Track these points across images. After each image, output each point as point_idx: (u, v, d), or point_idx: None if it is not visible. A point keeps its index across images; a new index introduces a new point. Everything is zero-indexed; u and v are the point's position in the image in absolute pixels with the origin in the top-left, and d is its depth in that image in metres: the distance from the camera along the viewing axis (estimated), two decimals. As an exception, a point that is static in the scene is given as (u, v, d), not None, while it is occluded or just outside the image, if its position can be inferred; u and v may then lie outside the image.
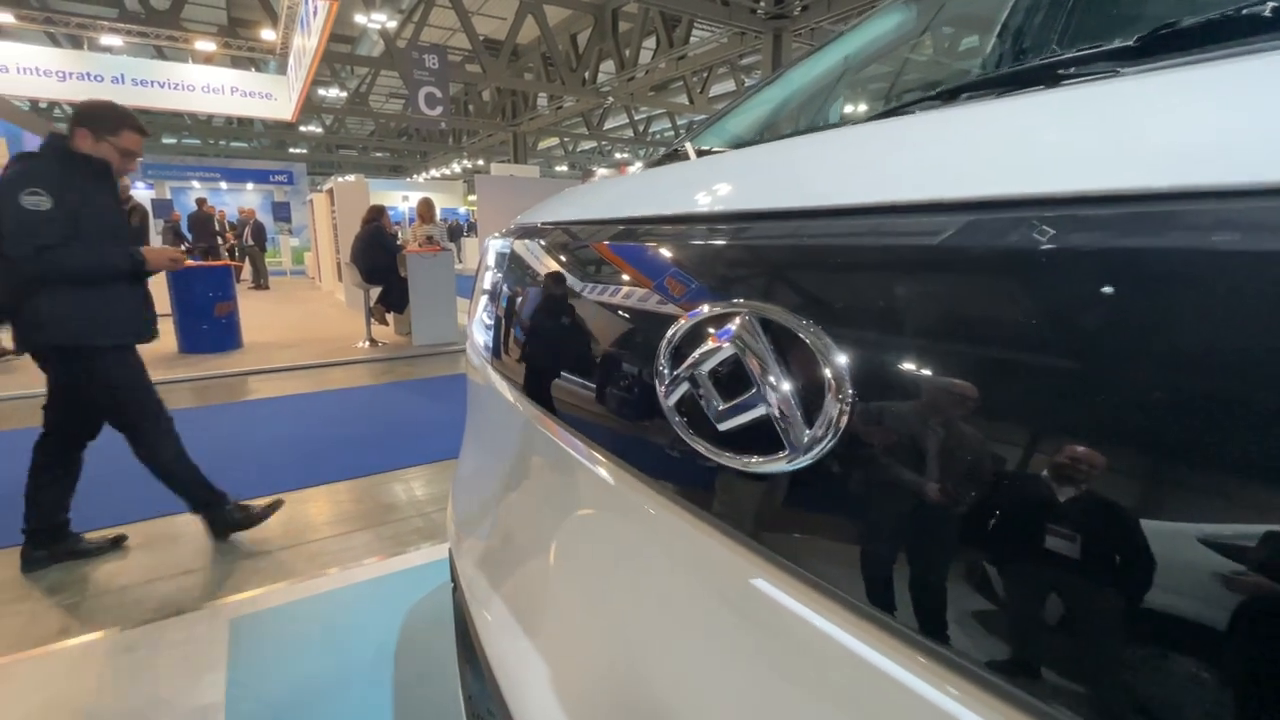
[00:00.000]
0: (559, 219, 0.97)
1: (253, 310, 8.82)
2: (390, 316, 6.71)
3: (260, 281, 12.67)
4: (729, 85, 18.54)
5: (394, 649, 1.83)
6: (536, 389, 0.86)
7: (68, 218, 2.02)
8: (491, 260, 1.20)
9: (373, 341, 6.39)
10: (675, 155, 1.21)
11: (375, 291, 6.44)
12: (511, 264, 1.04)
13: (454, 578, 1.10)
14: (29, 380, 4.72)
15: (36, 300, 2.05)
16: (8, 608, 2.09)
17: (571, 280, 0.80)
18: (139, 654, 1.83)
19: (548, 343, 0.86)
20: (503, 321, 1.03)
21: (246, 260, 13.00)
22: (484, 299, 1.17)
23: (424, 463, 3.39)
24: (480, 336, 1.16)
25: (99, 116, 2.16)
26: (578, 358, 0.75)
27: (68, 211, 2.02)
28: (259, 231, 12.89)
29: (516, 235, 1.11)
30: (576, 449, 0.73)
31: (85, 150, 2.13)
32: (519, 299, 0.97)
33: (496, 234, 1.27)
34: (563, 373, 0.78)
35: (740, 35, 13.86)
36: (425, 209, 6.75)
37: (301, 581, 2.24)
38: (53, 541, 2.34)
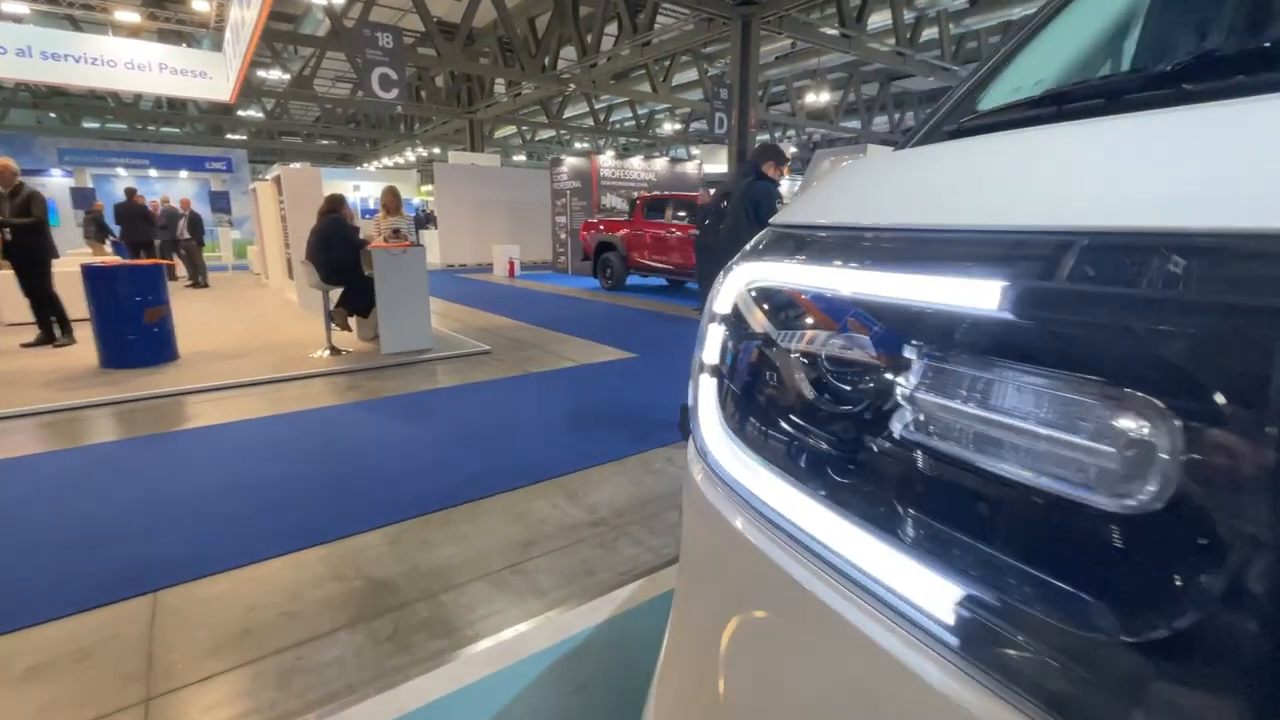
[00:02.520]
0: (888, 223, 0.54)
1: (191, 313, 7.74)
2: (353, 321, 5.86)
3: (199, 279, 11.38)
4: (691, 74, 17.89)
5: None
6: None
7: None
8: (753, 307, 0.63)
9: (334, 350, 5.54)
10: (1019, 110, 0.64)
11: (336, 293, 5.58)
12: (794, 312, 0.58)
13: None
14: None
15: None
16: None
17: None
18: None
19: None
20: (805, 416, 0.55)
21: (178, 256, 11.66)
22: (737, 372, 0.65)
23: (415, 515, 2.68)
24: (728, 443, 0.65)
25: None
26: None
27: None
28: (195, 223, 11.55)
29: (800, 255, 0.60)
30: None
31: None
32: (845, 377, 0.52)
33: (745, 258, 0.66)
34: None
35: (708, 22, 13.21)
36: (391, 199, 5.91)
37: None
38: None
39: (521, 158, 31.61)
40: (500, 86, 19.09)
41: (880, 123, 23.03)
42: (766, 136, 22.80)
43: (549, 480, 3.07)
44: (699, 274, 3.52)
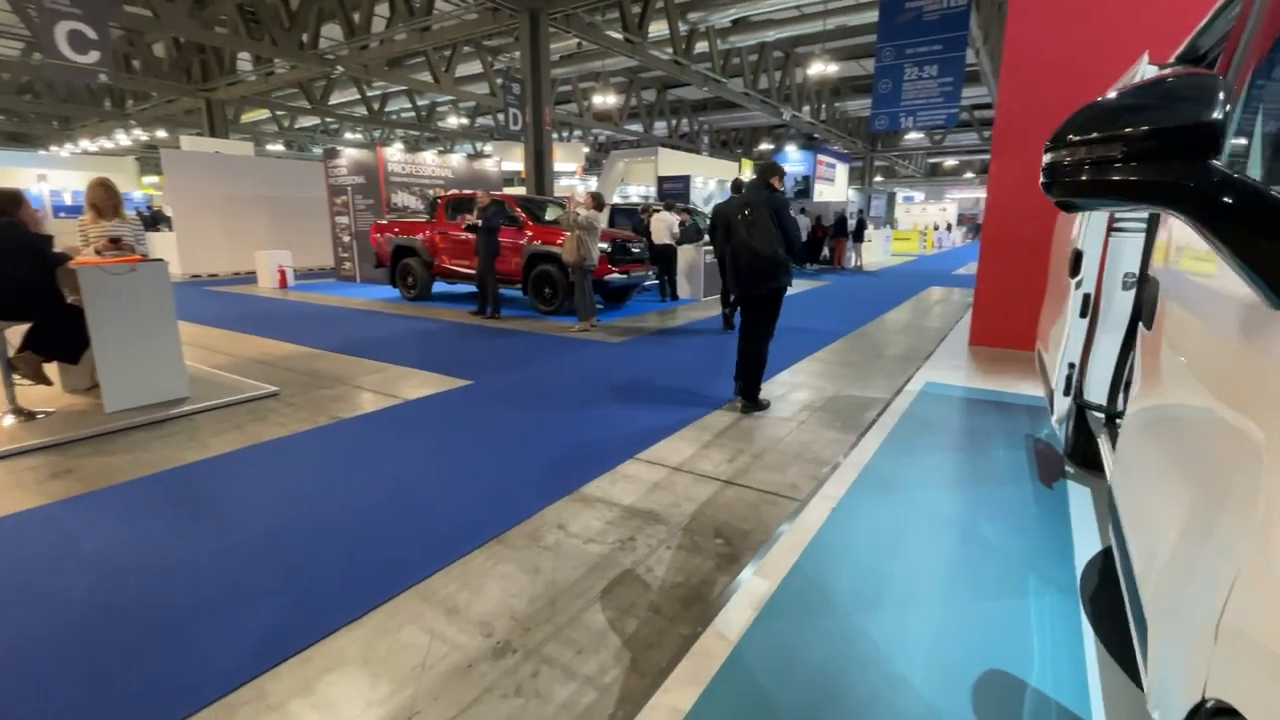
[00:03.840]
0: None
1: None
2: (55, 369, 4.07)
3: None
4: (476, 66, 16.65)
5: None
6: None
7: None
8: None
9: (23, 414, 3.77)
10: None
11: (21, 331, 3.81)
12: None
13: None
14: None
15: None
16: None
17: None
18: None
19: None
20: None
21: None
22: None
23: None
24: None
25: None
26: None
27: None
28: None
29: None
30: None
31: None
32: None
33: None
34: None
35: (492, 12, 12.25)
36: (104, 197, 4.16)
37: None
38: None
39: (278, 147, 27.14)
40: (246, 63, 15.93)
41: (660, 127, 23.91)
42: (556, 136, 22.31)
43: (412, 588, 2.19)
44: (734, 271, 4.08)
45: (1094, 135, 0.91)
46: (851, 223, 16.39)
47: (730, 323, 7.20)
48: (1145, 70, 2.31)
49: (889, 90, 12.48)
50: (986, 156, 35.32)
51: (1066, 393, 2.61)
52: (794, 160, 20.25)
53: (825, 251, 16.47)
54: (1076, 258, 2.50)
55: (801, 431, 3.82)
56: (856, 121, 25.22)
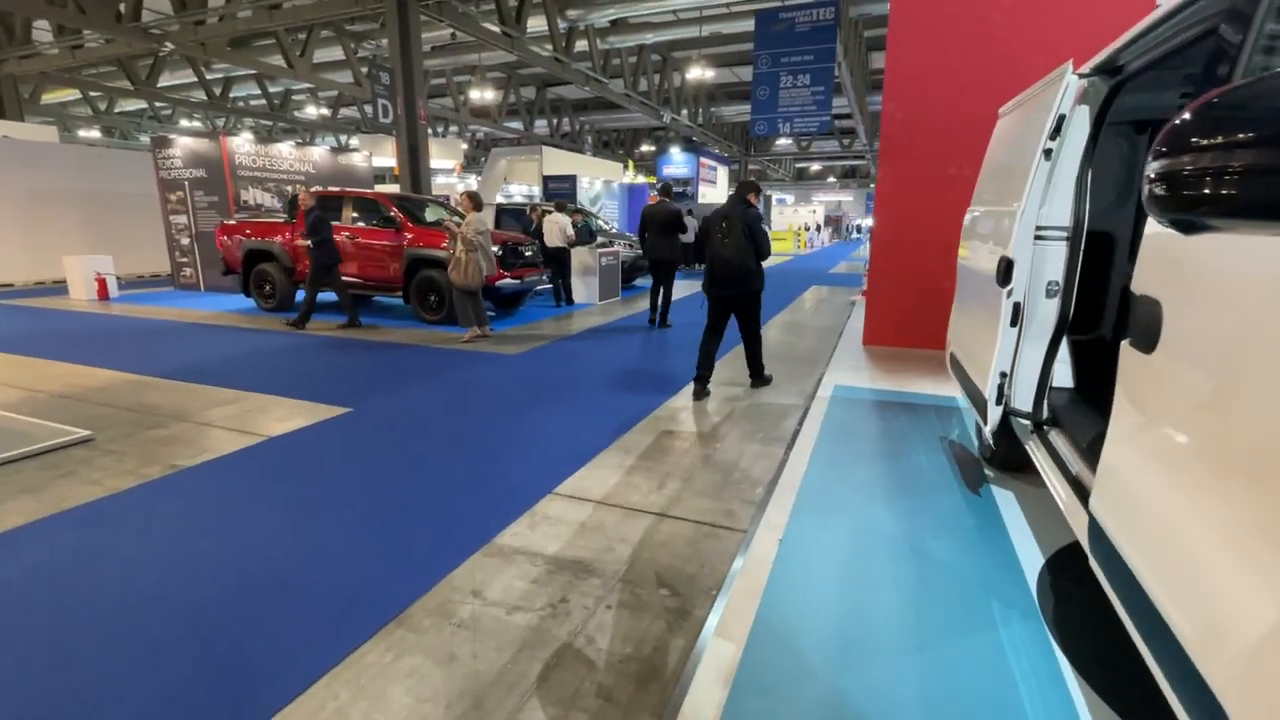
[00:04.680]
0: None
1: None
2: None
3: None
4: (337, 53, 15.16)
5: None
6: None
7: None
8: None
9: None
10: None
11: None
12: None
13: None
14: None
15: None
16: None
17: None
18: None
19: None
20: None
21: None
22: None
23: None
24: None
25: None
26: None
27: None
28: None
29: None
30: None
31: None
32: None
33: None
34: None
35: (355, -6, 11.14)
36: None
37: None
38: None
39: (94, 133, 23.30)
40: (45, 32, 13.37)
41: (540, 126, 23.23)
42: (431, 132, 20.99)
43: (284, 710, 1.66)
44: (710, 275, 4.57)
45: (1245, 136, 0.67)
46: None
47: (660, 320, 7.52)
48: (1070, 80, 2.27)
49: (767, 97, 12.84)
50: (847, 162, 37.80)
51: (999, 402, 2.56)
52: (678, 162, 20.48)
53: (680, 250, 16.76)
54: (1008, 266, 2.44)
55: (726, 447, 3.60)
56: (731, 126, 26.05)
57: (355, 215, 7.89)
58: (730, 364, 5.42)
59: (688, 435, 3.81)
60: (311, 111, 21.47)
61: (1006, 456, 3.05)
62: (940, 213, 5.68)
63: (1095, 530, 1.60)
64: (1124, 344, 1.51)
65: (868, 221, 37.83)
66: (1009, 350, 2.51)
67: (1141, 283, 1.44)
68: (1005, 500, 2.85)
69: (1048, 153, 2.32)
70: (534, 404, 4.39)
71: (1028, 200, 2.37)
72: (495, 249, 7.19)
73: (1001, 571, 2.28)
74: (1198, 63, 2.62)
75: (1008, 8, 5.24)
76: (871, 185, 40.36)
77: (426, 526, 2.65)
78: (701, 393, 4.57)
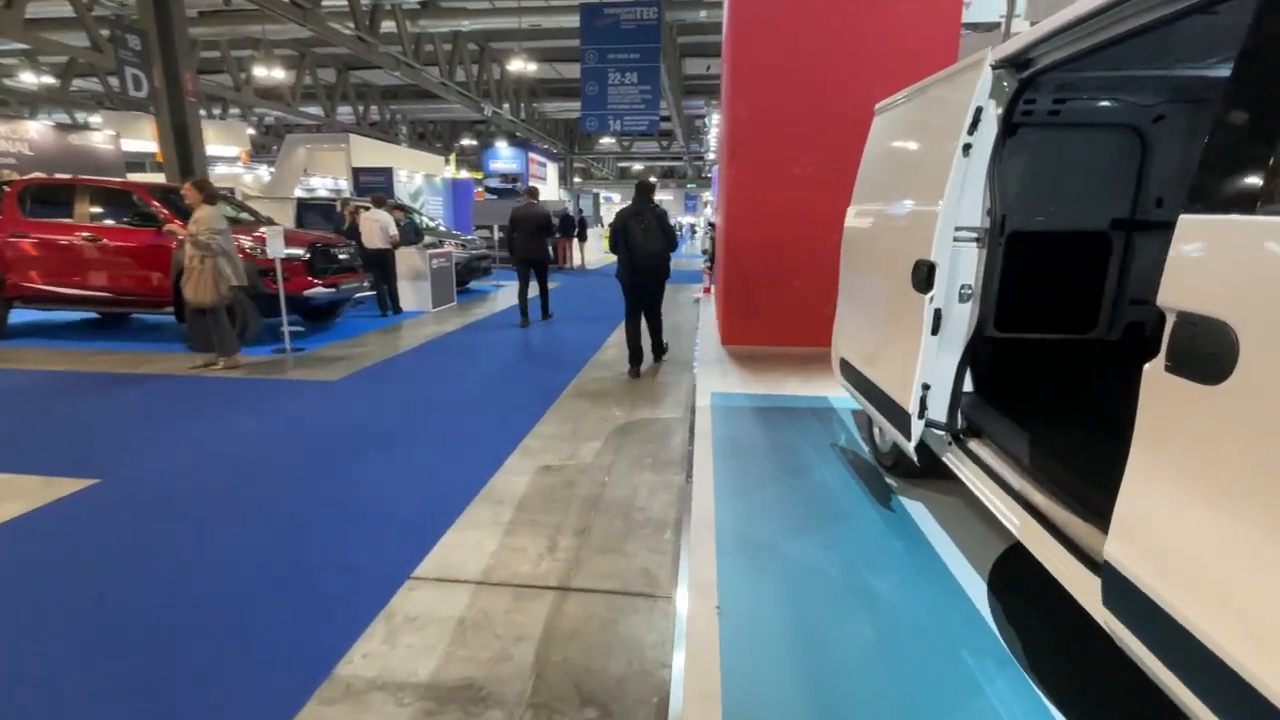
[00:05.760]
0: None
1: None
2: None
3: None
4: (64, 8, 11.89)
5: None
6: None
7: None
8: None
9: None
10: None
11: None
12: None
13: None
14: None
15: None
16: None
17: None
18: None
19: None
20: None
21: None
22: None
23: None
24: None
25: None
26: None
27: None
28: None
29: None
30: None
31: None
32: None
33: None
34: None
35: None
36: None
37: None
38: None
39: None
40: None
41: (345, 113, 20.65)
42: (206, 113, 17.65)
43: None
44: (631, 265, 4.94)
45: None
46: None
47: (542, 313, 7.75)
48: (988, 74, 2.09)
49: (596, 93, 12.48)
50: (666, 163, 39.18)
51: (921, 415, 2.36)
52: (505, 157, 19.46)
53: (550, 250, 16.12)
54: (929, 271, 2.23)
55: (617, 481, 3.09)
56: (556, 123, 25.47)
57: (96, 211, 6.04)
58: (601, 365, 4.92)
59: (569, 469, 3.24)
60: (30, 79, 16.84)
61: (900, 461, 2.93)
62: (790, 212, 5.69)
63: (1118, 583, 1.35)
64: (1154, 369, 1.26)
65: (689, 219, 39.62)
66: (931, 360, 2.31)
67: (1194, 300, 1.18)
68: (918, 513, 2.70)
69: (967, 148, 2.13)
70: (366, 447, 3.51)
71: (949, 200, 2.16)
72: (299, 251, 5.92)
73: (955, 608, 2.06)
74: (1130, 61, 2.68)
75: (843, 10, 5.35)
76: (690, 185, 42.34)
77: (232, 666, 1.79)
78: (636, 373, 5.26)
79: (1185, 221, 1.21)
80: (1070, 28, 1.79)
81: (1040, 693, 1.68)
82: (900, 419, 2.41)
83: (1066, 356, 3.32)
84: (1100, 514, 1.68)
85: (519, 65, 14.92)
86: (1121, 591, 1.34)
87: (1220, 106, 1.17)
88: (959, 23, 5.46)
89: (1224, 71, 2.82)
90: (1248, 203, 1.09)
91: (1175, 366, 1.21)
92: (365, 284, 7.52)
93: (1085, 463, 2.04)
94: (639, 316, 5.31)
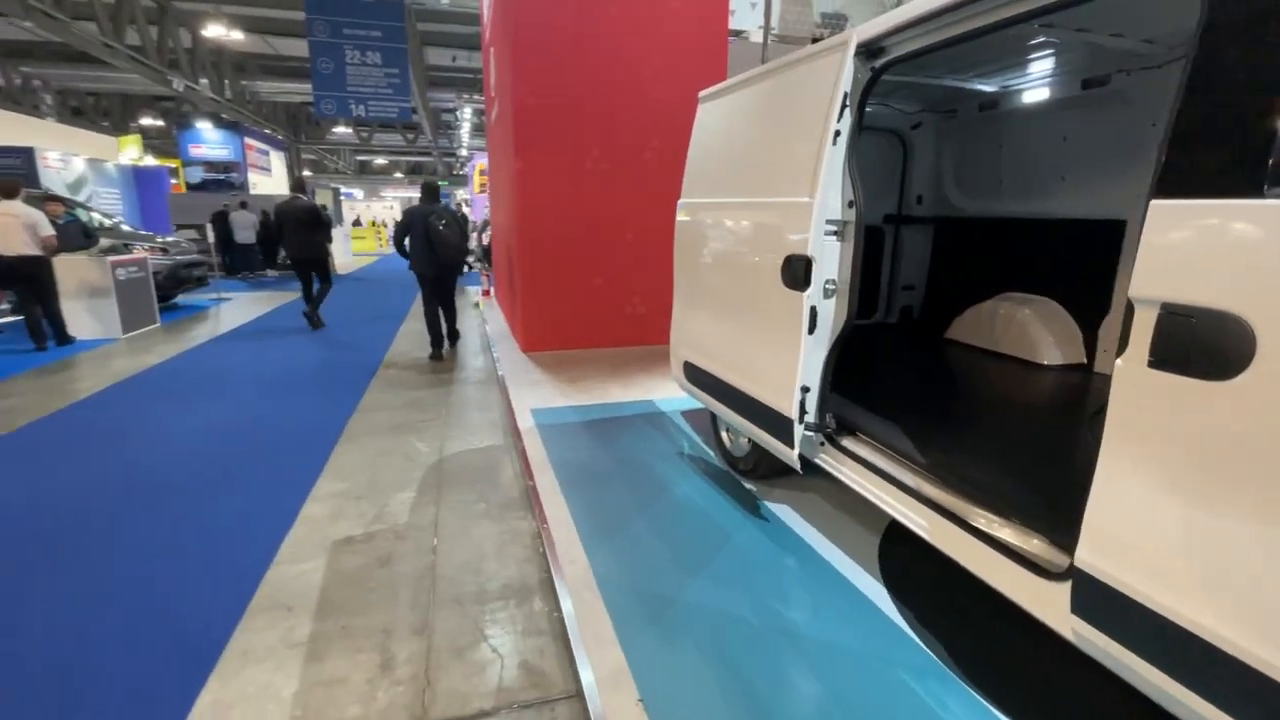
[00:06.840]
0: None
1: None
2: None
3: None
4: None
5: None
6: None
7: None
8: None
9: None
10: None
11: None
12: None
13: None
14: None
15: None
16: None
17: None
18: None
19: None
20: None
21: None
22: None
23: None
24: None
25: None
26: None
27: None
28: None
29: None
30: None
31: None
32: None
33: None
34: None
35: None
36: None
37: None
38: None
39: None
40: None
41: (-61, 71, 14.64)
42: None
43: None
44: (434, 259, 5.21)
45: None
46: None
47: (311, 311, 6.82)
48: (851, 59, 1.95)
49: (331, 71, 10.74)
50: (412, 158, 36.11)
51: (802, 419, 2.19)
52: (213, 142, 15.89)
53: (282, 254, 13.49)
54: (806, 266, 2.05)
55: (450, 545, 2.42)
56: (274, 106, 21.56)
57: None
58: (379, 411, 4.02)
59: (380, 536, 2.46)
60: None
61: (760, 465, 2.81)
62: (584, 208, 5.37)
63: (1090, 587, 1.26)
64: (1130, 366, 1.17)
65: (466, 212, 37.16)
66: (809, 361, 2.15)
67: (1190, 292, 1.08)
68: (789, 518, 2.58)
69: (836, 135, 1.99)
70: (37, 560, 2.26)
71: (824, 191, 2.00)
72: None
73: (868, 621, 1.92)
74: (992, 58, 2.74)
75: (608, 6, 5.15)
76: (442, 183, 39.73)
77: None
78: (439, 356, 5.52)
79: (1159, 207, 1.13)
80: (930, 18, 1.71)
81: (987, 703, 1.58)
82: (780, 426, 2.22)
83: (861, 342, 3.55)
84: (1014, 506, 1.65)
85: (219, 31, 12.14)
86: (1097, 598, 1.25)
87: (1198, 80, 1.09)
88: (726, 26, 5.68)
89: (979, 85, 3.21)
90: (1244, 185, 1.01)
91: (1162, 362, 1.13)
92: (4, 305, 5.25)
93: (974, 450, 2.06)
94: (437, 306, 5.51)
